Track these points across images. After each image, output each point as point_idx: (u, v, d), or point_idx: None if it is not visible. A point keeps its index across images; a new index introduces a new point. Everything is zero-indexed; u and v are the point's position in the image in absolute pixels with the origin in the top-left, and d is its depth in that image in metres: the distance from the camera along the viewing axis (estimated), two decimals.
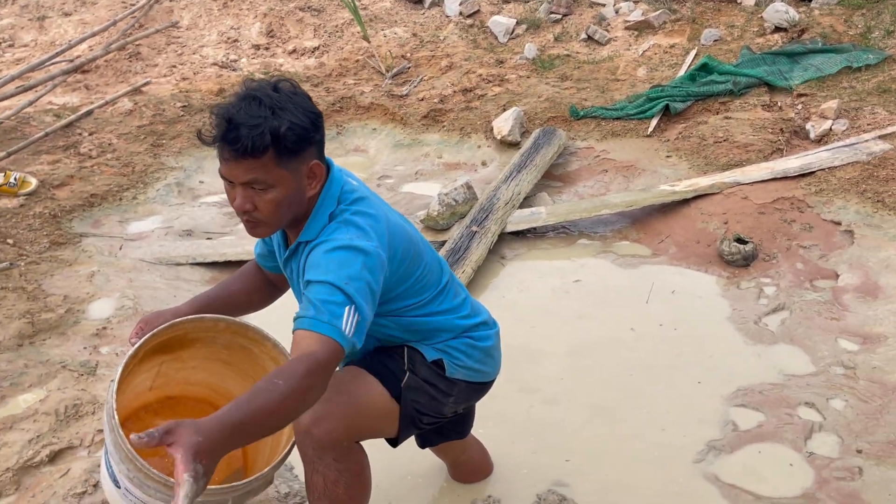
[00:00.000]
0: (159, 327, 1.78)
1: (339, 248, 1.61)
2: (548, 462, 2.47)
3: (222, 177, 1.64)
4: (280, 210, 1.64)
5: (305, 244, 1.69)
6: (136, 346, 1.74)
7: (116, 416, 1.64)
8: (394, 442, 1.94)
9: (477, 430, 2.23)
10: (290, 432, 1.82)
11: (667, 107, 5.05)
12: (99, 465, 2.24)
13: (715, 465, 2.44)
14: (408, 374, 1.83)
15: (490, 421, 2.25)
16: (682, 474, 2.41)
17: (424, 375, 1.85)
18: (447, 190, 4.23)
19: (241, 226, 4.75)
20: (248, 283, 2.01)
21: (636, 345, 3.13)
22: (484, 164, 5.19)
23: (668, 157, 4.72)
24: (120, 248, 4.02)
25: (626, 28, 6.31)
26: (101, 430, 2.44)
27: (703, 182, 4.23)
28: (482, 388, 2.01)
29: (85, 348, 2.98)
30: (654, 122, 5.02)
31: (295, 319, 1.58)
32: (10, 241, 3.85)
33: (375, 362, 1.84)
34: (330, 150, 5.46)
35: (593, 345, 3.14)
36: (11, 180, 4.31)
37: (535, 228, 4.18)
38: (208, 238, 4.29)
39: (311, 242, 1.67)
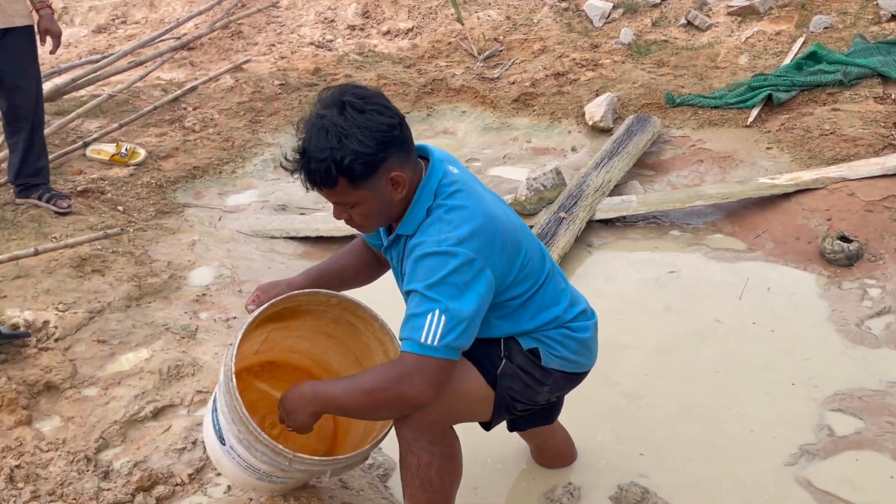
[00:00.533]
0: (278, 298, 1.87)
1: (426, 255, 1.66)
2: (631, 454, 2.45)
3: None
4: (372, 218, 1.73)
5: (405, 237, 1.76)
6: (256, 313, 1.83)
7: (234, 381, 1.73)
8: (487, 426, 1.98)
9: (560, 418, 2.23)
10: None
11: (769, 96, 4.85)
12: (199, 424, 2.37)
13: (808, 470, 2.36)
14: (504, 361, 1.85)
15: (573, 410, 2.24)
16: (772, 476, 2.34)
17: (520, 363, 1.86)
18: (535, 175, 4.21)
19: None
20: (357, 259, 2.07)
21: (726, 342, 3.04)
22: (574, 149, 5.13)
23: (768, 148, 4.54)
24: (219, 220, 4.19)
25: (729, 13, 6.08)
26: (200, 391, 2.57)
27: (806, 176, 4.05)
28: (577, 378, 2.00)
29: (186, 313, 3.13)
30: (755, 111, 4.84)
31: None
32: (120, 208, 4.08)
33: (473, 349, 1.82)
34: (419, 131, 5.62)
35: (680, 339, 3.07)
36: (123, 150, 4.55)
37: (624, 217, 4.12)
38: (301, 213, 4.42)
39: (409, 237, 1.74)
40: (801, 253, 3.64)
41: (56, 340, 2.75)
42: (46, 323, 2.80)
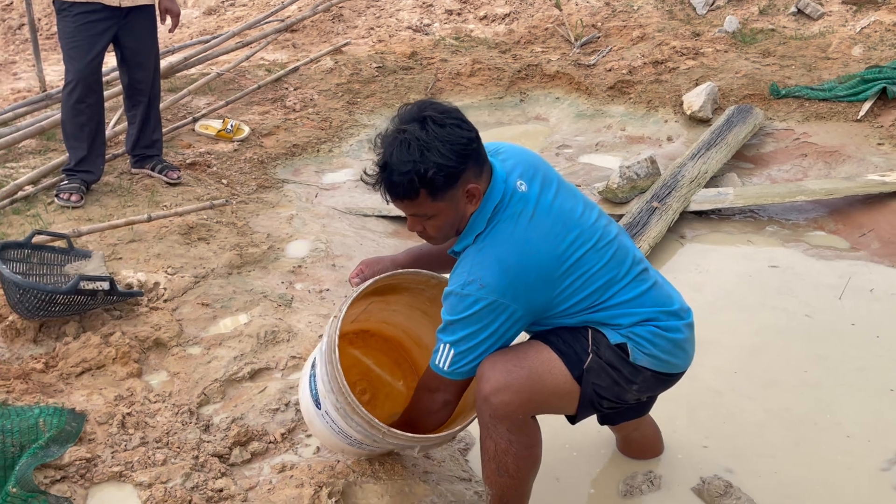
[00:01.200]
0: (383, 275, 1.97)
1: (451, 293, 1.78)
2: (715, 450, 2.42)
3: None
4: (445, 230, 1.81)
5: (457, 254, 1.87)
6: (362, 288, 1.92)
7: (337, 353, 1.82)
8: (572, 419, 1.98)
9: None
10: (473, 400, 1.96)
11: (884, 90, 4.61)
12: (292, 388, 2.49)
13: None
14: (591, 355, 1.83)
15: (658, 402, 2.21)
16: (865, 481, 2.27)
17: (608, 358, 1.83)
18: (629, 163, 4.16)
19: None
20: (442, 252, 2.11)
21: (822, 342, 2.94)
22: (669, 139, 5.03)
23: (879, 144, 4.33)
24: (315, 196, 4.35)
25: (844, 2, 5.79)
26: (294, 357, 2.69)
27: None
28: (669, 378, 1.95)
29: (282, 283, 3.28)
30: (867, 105, 4.61)
31: None
32: (224, 181, 4.28)
33: (560, 340, 1.85)
34: (511, 117, 5.64)
35: (773, 337, 2.99)
36: (228, 126, 4.77)
37: (720, 210, 4.02)
38: None
39: (459, 254, 1.85)
40: None
41: (165, 301, 2.93)
42: (157, 284, 2.99)
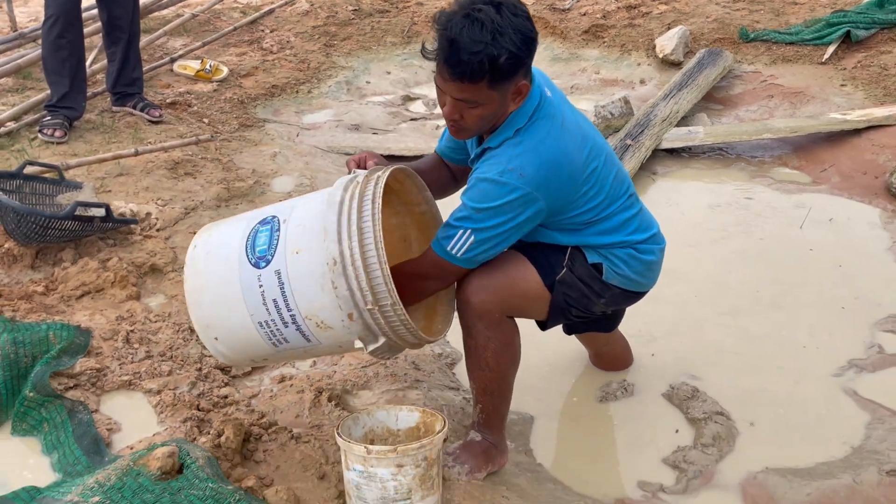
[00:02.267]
0: (405, 167, 1.91)
1: (486, 180, 1.75)
2: (682, 362, 2.60)
3: (437, 84, 1.75)
4: (483, 122, 1.78)
5: (489, 150, 1.83)
6: (389, 170, 1.78)
7: (380, 214, 1.66)
8: (542, 325, 2.12)
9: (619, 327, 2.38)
10: (443, 309, 2.04)
11: (848, 33, 4.77)
12: None
13: (855, 381, 2.47)
14: (565, 269, 1.95)
15: (631, 320, 2.37)
16: (818, 385, 2.47)
17: (580, 274, 1.95)
18: (604, 103, 4.29)
19: (404, 124, 4.95)
20: (436, 173, 2.12)
21: (782, 266, 3.13)
22: (642, 82, 5.15)
23: (842, 85, 4.50)
24: (297, 136, 4.41)
25: None
26: None
27: (879, 112, 4.03)
28: (635, 296, 2.09)
29: None
30: (831, 48, 4.77)
31: None
32: (205, 120, 4.32)
33: (537, 253, 1.95)
34: None
35: (737, 262, 3.17)
36: (207, 67, 4.78)
37: (690, 148, 4.18)
38: (374, 133, 4.60)
39: (492, 150, 1.81)
40: (867, 188, 3.66)
41: (158, 230, 3.02)
42: (149, 214, 3.07)
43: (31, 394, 1.98)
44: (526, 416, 2.38)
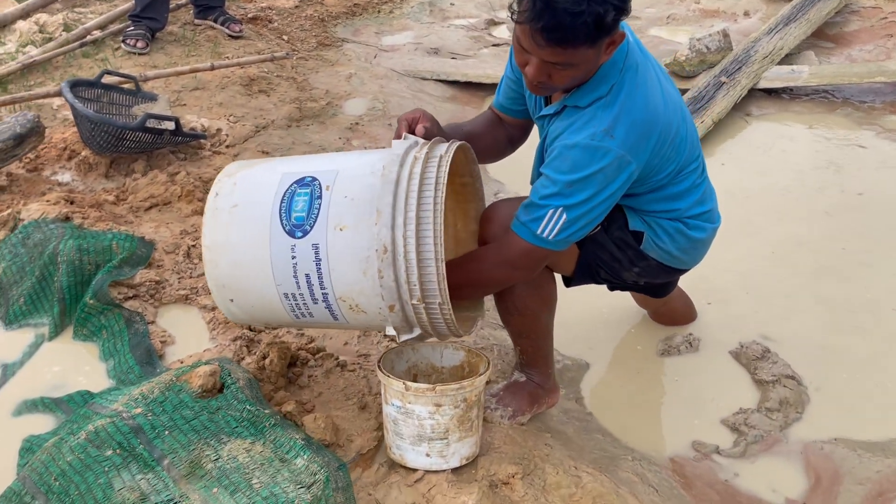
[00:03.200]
0: (465, 143, 1.70)
1: (576, 146, 1.54)
2: (754, 316, 2.45)
3: (519, 44, 1.51)
4: (573, 82, 1.56)
5: (575, 108, 1.60)
6: (453, 150, 1.61)
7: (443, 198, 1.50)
8: (567, 281, 1.92)
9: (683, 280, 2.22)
10: None
11: None
12: None
13: None
14: (599, 228, 1.74)
15: (698, 270, 2.20)
16: None
17: (616, 238, 1.76)
18: (700, 35, 3.98)
19: (485, 50, 4.74)
20: (492, 133, 1.92)
21: (879, 225, 2.87)
22: (746, 14, 4.77)
23: None
24: (374, 57, 4.31)
25: None
26: None
27: None
28: (673, 272, 1.90)
29: (339, 138, 3.33)
30: None
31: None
32: (285, 37, 4.27)
33: None
34: None
35: (828, 216, 2.93)
36: None
37: (791, 88, 3.86)
38: (453, 58, 4.45)
39: (581, 109, 1.58)
40: None
41: (227, 147, 3.02)
42: (219, 131, 3.07)
43: (92, 301, 2.03)
44: (580, 363, 2.30)
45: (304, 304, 1.58)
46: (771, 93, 3.86)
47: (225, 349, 1.97)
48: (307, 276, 1.54)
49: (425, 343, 1.87)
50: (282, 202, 1.57)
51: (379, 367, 1.68)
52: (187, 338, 2.07)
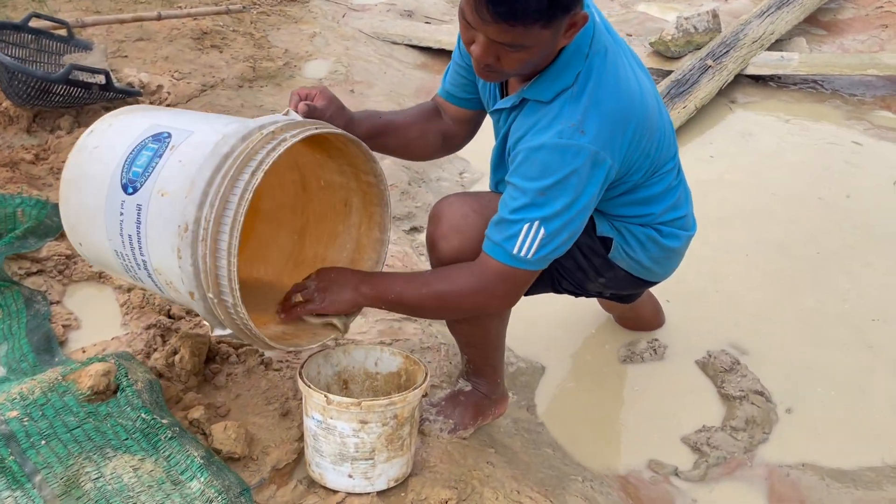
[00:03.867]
0: (346, 133, 1.46)
1: (545, 148, 1.33)
2: (725, 323, 2.28)
3: (463, 18, 1.29)
4: (525, 67, 1.34)
5: (538, 103, 1.38)
6: (306, 134, 1.39)
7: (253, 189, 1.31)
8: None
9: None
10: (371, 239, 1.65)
11: None
12: None
13: None
14: None
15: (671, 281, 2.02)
16: (885, 370, 2.12)
17: (581, 243, 1.53)
18: (689, 14, 3.77)
19: None
20: (417, 128, 1.66)
21: (863, 228, 2.71)
22: None
23: None
24: (343, 16, 4.03)
25: None
26: None
27: None
28: (643, 284, 1.71)
29: None
30: None
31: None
32: None
33: None
34: None
35: (809, 216, 2.76)
36: None
37: (780, 76, 3.66)
38: (427, 22, 4.18)
39: (544, 104, 1.37)
40: None
41: (167, 106, 2.76)
42: (160, 87, 2.81)
43: None
44: (535, 366, 2.12)
45: (132, 266, 1.44)
46: (758, 79, 3.67)
47: (136, 338, 1.75)
48: (129, 237, 1.40)
49: (360, 346, 1.67)
50: (130, 152, 1.43)
51: (300, 373, 1.48)
52: (95, 322, 1.85)
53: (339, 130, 1.45)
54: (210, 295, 1.31)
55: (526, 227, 1.34)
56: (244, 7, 3.41)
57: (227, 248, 1.28)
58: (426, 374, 1.52)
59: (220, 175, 1.30)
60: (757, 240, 2.63)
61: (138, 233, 1.37)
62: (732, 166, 3.06)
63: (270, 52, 3.33)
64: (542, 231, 1.34)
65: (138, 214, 1.36)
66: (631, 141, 1.38)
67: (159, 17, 3.12)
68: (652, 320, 2.23)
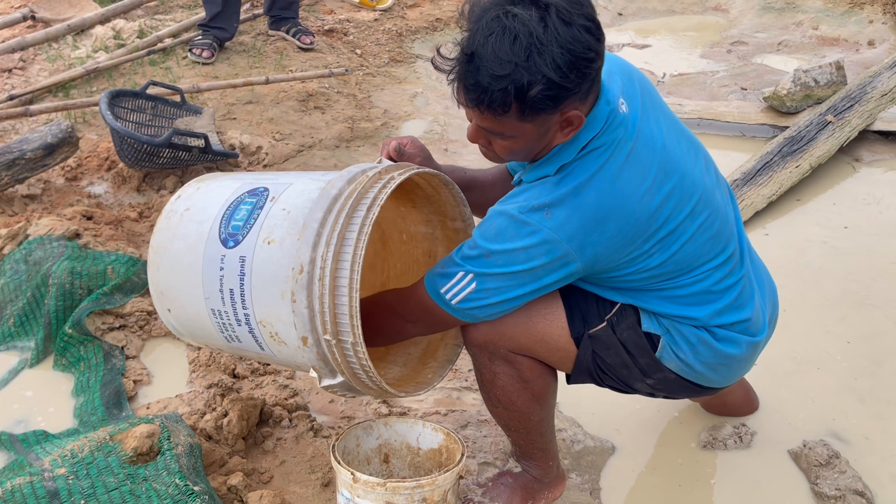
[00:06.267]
0: (439, 173, 1.49)
1: (503, 214, 1.32)
2: (828, 409, 2.05)
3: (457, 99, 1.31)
4: (517, 154, 1.35)
5: (520, 182, 1.40)
6: (410, 173, 1.41)
7: (372, 221, 1.32)
8: (568, 378, 1.60)
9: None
10: (445, 353, 1.64)
11: None
12: None
13: None
14: (605, 324, 1.46)
15: (767, 358, 1.82)
16: None
17: (625, 339, 1.46)
18: (808, 67, 3.53)
19: None
20: (498, 187, 1.65)
21: None
22: (871, 44, 4.23)
23: None
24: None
25: None
26: None
27: None
28: (698, 390, 1.56)
29: None
30: None
31: None
32: (358, 51, 4.14)
33: (577, 294, 1.47)
34: (685, 5, 4.98)
35: None
36: None
37: None
38: None
39: (526, 184, 1.37)
40: None
41: (264, 166, 2.89)
42: (259, 148, 2.95)
43: (71, 330, 1.92)
44: (605, 446, 1.98)
45: (230, 324, 1.42)
46: (888, 136, 3.36)
47: (197, 397, 1.80)
48: (231, 291, 1.38)
49: (401, 419, 1.63)
50: (227, 209, 1.44)
51: (333, 447, 1.46)
52: (165, 378, 1.93)
53: (437, 172, 1.49)
54: (327, 336, 1.31)
55: (461, 274, 1.35)
56: (346, 70, 3.55)
57: (349, 283, 1.28)
58: (462, 455, 1.46)
59: (332, 215, 1.32)
60: (863, 321, 2.36)
61: (241, 285, 1.37)
62: (844, 232, 2.79)
63: (370, 113, 3.43)
64: (473, 285, 1.35)
65: (241, 266, 1.37)
66: (613, 241, 1.30)
67: (267, 82, 3.30)
68: (742, 406, 2.03)
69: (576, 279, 1.39)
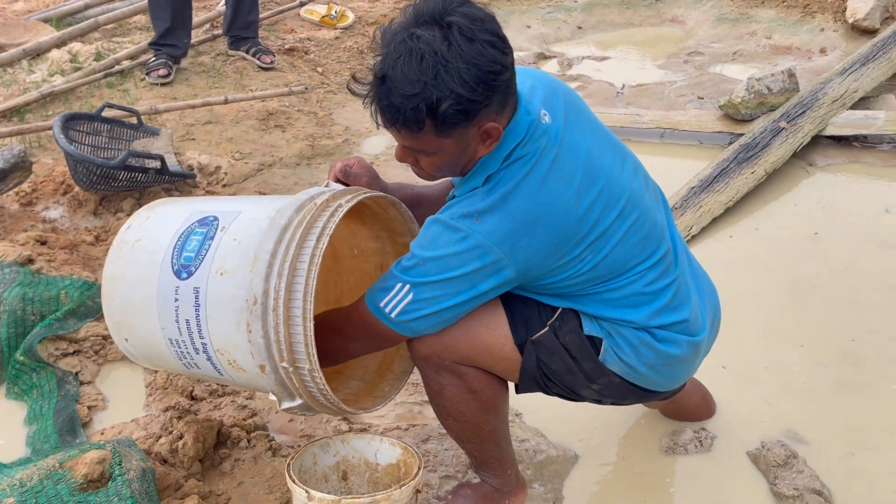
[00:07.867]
0: (388, 196, 1.52)
1: (437, 221, 1.36)
2: (785, 411, 2.07)
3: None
4: (443, 170, 1.40)
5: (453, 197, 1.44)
6: (356, 200, 1.43)
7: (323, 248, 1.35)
8: (516, 388, 1.59)
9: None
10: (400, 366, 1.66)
11: None
12: None
13: None
14: (547, 329, 1.47)
15: (722, 345, 1.87)
16: None
17: (568, 342, 1.47)
18: (761, 75, 3.60)
19: None
20: (443, 201, 1.54)
21: None
22: (823, 51, 4.34)
23: None
24: None
25: None
26: None
27: None
28: (644, 394, 1.57)
29: None
30: None
31: None
32: (319, 69, 4.15)
33: (518, 300, 1.49)
34: (643, 17, 5.06)
35: (887, 305, 2.51)
36: (332, 13, 4.60)
37: (865, 136, 3.41)
38: None
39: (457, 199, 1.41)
40: None
41: (223, 186, 2.88)
42: (218, 168, 2.94)
43: (22, 357, 1.89)
44: (567, 455, 1.99)
45: (189, 352, 1.44)
46: (840, 140, 3.43)
47: (153, 420, 1.78)
48: (187, 321, 1.41)
49: (359, 435, 1.63)
50: (177, 240, 1.46)
51: (288, 465, 1.44)
52: (121, 403, 1.90)
53: (383, 194, 1.52)
54: (284, 364, 1.33)
55: (399, 286, 1.37)
56: (306, 88, 3.55)
57: (303, 313, 1.31)
58: (419, 469, 1.46)
59: (282, 245, 1.34)
60: (818, 324, 2.40)
61: (197, 315, 1.39)
62: (799, 236, 2.85)
63: (331, 130, 3.44)
64: (410, 296, 1.36)
65: (196, 297, 1.39)
66: (544, 245, 1.34)
67: (226, 101, 3.29)
68: (699, 410, 2.05)
69: (513, 287, 1.41)
